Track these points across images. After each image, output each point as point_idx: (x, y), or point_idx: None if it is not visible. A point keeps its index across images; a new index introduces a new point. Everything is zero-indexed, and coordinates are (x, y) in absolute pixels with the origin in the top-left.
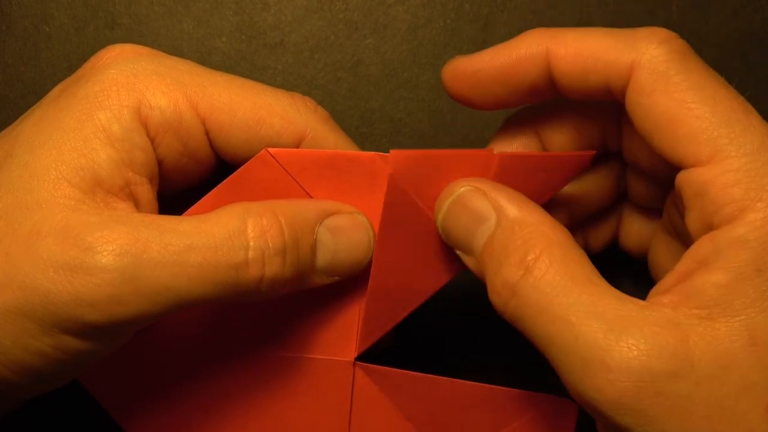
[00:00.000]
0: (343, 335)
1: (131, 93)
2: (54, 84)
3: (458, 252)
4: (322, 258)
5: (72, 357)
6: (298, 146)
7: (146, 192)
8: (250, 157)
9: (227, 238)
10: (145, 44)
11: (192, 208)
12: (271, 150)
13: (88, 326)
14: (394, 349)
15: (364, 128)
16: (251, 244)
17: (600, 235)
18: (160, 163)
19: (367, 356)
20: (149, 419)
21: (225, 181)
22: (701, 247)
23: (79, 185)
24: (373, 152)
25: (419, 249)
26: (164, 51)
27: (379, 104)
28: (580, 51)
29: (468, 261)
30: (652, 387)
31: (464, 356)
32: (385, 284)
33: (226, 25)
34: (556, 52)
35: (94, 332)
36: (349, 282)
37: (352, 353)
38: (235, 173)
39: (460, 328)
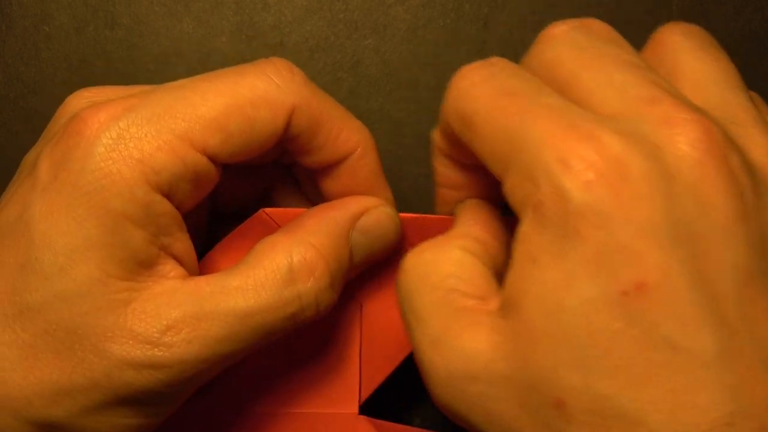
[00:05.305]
0: (345, 387)
1: (132, 167)
2: (54, 84)
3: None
4: (359, 257)
5: (157, 419)
6: (290, 119)
7: (179, 241)
8: (253, 155)
9: (278, 294)
10: (145, 44)
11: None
12: (267, 210)
13: (171, 397)
14: (396, 394)
15: None
16: (301, 289)
17: None
18: (178, 207)
19: (375, 400)
20: None
21: (224, 239)
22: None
23: (127, 276)
24: None
25: None
26: (164, 51)
27: (379, 104)
28: None
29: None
30: (454, 390)
31: None
32: (379, 327)
33: (226, 25)
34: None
35: (175, 398)
36: (346, 332)
37: (355, 405)
38: (233, 232)
39: None
